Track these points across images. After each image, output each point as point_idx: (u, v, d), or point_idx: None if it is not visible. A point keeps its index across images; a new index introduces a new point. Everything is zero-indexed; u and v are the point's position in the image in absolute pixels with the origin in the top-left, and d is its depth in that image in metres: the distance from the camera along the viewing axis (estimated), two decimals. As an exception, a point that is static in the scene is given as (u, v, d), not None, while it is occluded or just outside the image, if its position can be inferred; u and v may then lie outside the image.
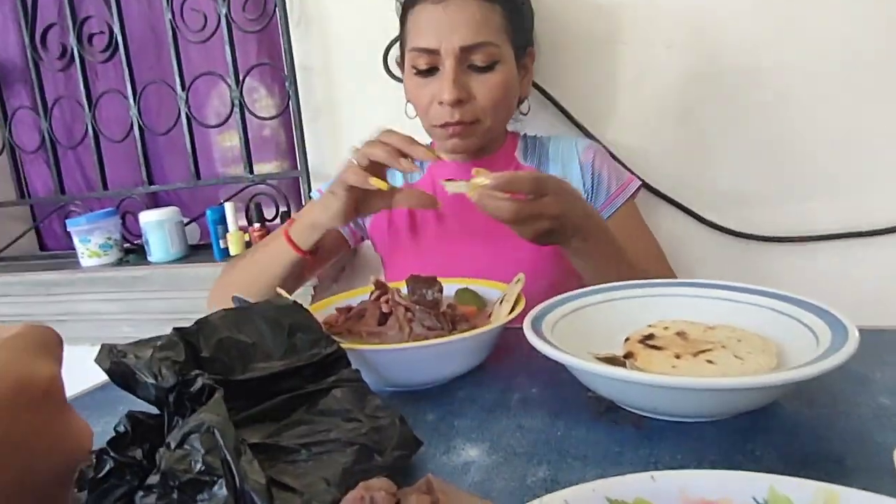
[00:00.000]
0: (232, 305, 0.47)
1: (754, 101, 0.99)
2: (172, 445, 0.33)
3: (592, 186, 0.90)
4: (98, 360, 0.37)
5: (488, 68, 0.82)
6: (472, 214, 0.91)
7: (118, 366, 0.36)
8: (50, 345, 0.23)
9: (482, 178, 0.61)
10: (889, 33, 0.91)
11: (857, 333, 0.43)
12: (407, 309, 0.58)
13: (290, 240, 0.80)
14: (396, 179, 0.97)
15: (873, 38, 0.91)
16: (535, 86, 1.05)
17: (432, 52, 0.82)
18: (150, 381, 0.35)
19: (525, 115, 1.00)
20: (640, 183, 0.95)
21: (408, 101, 0.94)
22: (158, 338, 0.38)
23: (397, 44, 1.12)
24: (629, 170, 1.01)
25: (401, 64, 0.95)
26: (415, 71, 0.85)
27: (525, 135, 0.98)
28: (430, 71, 0.83)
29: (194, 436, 0.33)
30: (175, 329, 0.40)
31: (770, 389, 0.41)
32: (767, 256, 1.03)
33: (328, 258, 1.00)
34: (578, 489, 0.25)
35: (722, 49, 0.99)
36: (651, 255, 0.90)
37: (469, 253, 0.88)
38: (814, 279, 0.99)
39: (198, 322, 0.42)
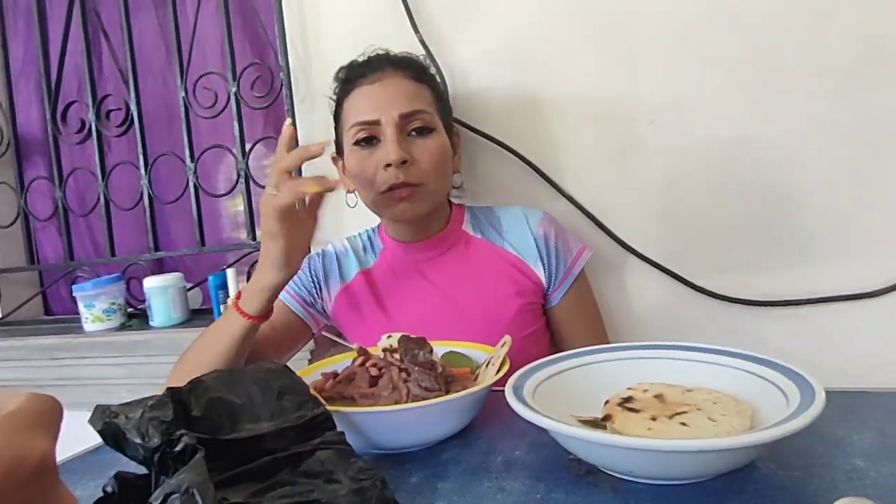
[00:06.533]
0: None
1: (737, 170, 1.03)
2: (155, 505, 0.34)
3: (549, 259, 0.93)
4: (91, 421, 0.39)
5: (426, 133, 0.88)
6: (431, 278, 0.94)
7: (109, 426, 0.38)
8: (49, 418, 0.24)
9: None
10: (867, 102, 0.95)
11: (823, 395, 0.44)
12: (401, 370, 0.59)
13: (240, 310, 0.76)
14: (350, 265, 0.98)
15: (851, 108, 0.95)
16: (526, 161, 1.11)
17: (373, 124, 0.86)
18: (138, 440, 0.37)
19: (458, 188, 1.06)
20: (593, 251, 1.00)
21: (348, 191, 0.96)
22: (151, 398, 0.40)
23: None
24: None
25: (337, 158, 0.98)
26: (358, 146, 0.88)
27: (471, 207, 1.02)
28: (371, 140, 0.87)
29: (174, 496, 0.34)
30: (168, 389, 0.42)
31: (740, 451, 0.42)
32: (756, 321, 1.04)
33: (292, 346, 0.98)
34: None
35: (702, 123, 1.04)
36: (598, 323, 1.02)
37: (433, 316, 0.91)
38: (803, 343, 1.00)
39: (191, 382, 0.44)
